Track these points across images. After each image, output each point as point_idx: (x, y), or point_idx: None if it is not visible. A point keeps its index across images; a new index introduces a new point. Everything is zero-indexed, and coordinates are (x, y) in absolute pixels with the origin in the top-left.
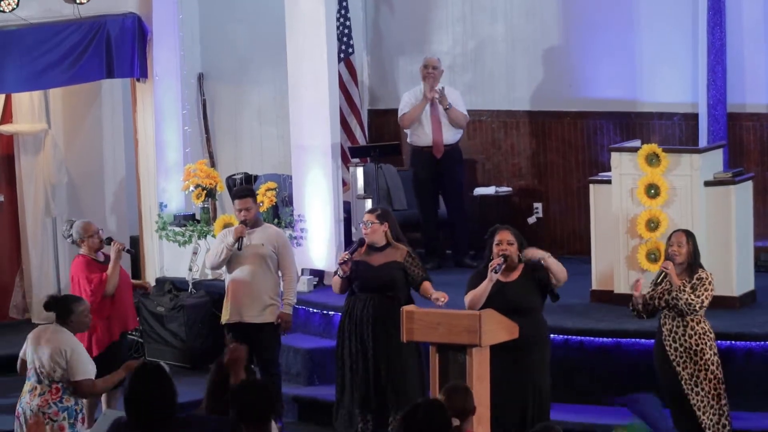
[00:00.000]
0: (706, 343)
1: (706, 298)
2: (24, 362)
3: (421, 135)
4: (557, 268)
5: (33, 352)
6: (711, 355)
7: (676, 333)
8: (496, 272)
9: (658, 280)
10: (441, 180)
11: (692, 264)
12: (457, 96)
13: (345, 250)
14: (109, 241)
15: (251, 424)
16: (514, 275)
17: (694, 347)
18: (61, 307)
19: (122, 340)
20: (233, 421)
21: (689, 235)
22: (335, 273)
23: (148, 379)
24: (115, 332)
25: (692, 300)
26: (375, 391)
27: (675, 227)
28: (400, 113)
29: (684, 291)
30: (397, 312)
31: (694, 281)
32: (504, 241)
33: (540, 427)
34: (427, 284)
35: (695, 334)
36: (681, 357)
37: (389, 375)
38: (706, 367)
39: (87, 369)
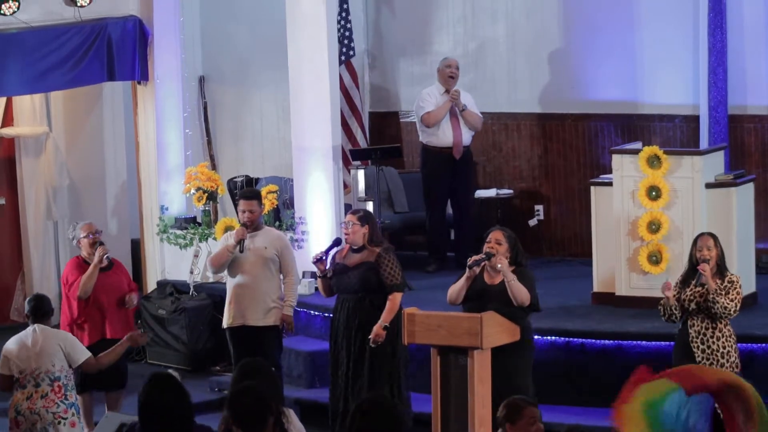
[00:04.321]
0: (732, 346)
1: (739, 302)
2: (7, 377)
3: (440, 136)
4: (516, 291)
5: (21, 360)
6: (735, 357)
7: (704, 335)
8: (470, 267)
9: (696, 283)
10: (455, 181)
11: (721, 266)
12: (470, 98)
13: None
14: (100, 244)
15: (247, 429)
16: (500, 278)
17: (722, 350)
18: (40, 306)
19: (100, 345)
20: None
21: (715, 238)
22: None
23: (163, 388)
24: (88, 337)
25: (728, 304)
26: (355, 392)
27: (676, 229)
28: (421, 110)
29: (721, 294)
30: (371, 313)
31: (725, 284)
32: (494, 239)
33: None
34: (395, 297)
35: (723, 336)
36: (708, 359)
37: (368, 376)
38: (732, 369)
39: (83, 348)
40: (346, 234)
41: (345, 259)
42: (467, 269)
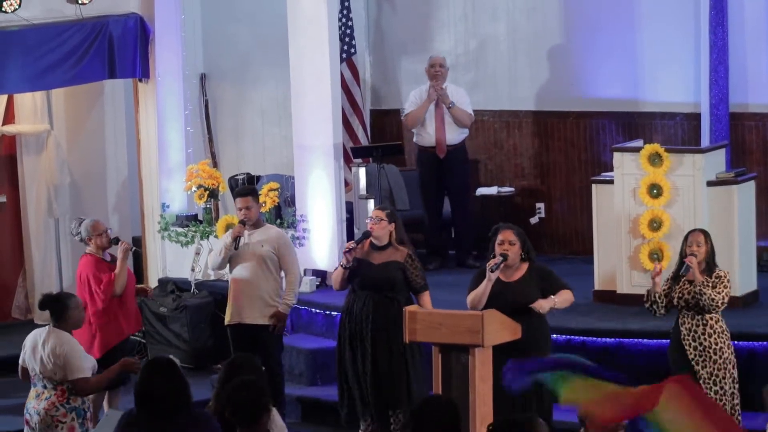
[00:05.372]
0: (724, 342)
1: (726, 296)
2: (24, 369)
3: (424, 135)
4: (565, 305)
5: (31, 358)
6: (729, 354)
7: (696, 332)
8: (492, 271)
9: (680, 274)
10: (445, 180)
11: (710, 263)
12: (462, 95)
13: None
14: (117, 240)
15: (244, 423)
16: (517, 275)
17: (714, 346)
18: (58, 304)
19: (126, 341)
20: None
21: (706, 235)
22: (340, 264)
23: (160, 372)
24: (123, 333)
25: (715, 296)
26: (374, 390)
27: (677, 227)
28: (404, 112)
29: (708, 286)
30: (396, 311)
31: (713, 279)
32: (506, 240)
33: (523, 418)
34: (426, 297)
35: (714, 332)
36: (700, 356)
37: (387, 374)
38: (725, 366)
39: (82, 367)
40: (372, 228)
41: (368, 256)
42: (488, 273)
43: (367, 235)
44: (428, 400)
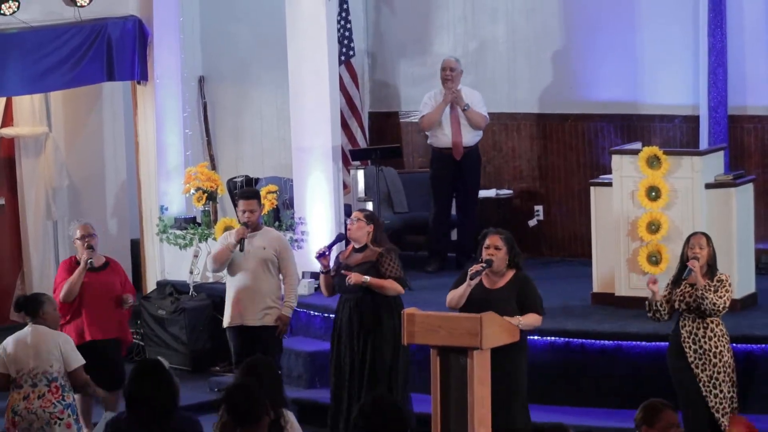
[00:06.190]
0: (724, 346)
1: (728, 300)
2: (4, 375)
3: (440, 136)
4: (528, 327)
5: (18, 359)
6: (728, 357)
7: (696, 335)
8: (472, 278)
9: (682, 278)
10: (458, 182)
11: (712, 266)
12: (477, 97)
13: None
14: (88, 248)
15: (245, 426)
16: (501, 282)
17: (714, 349)
18: (33, 303)
19: (90, 347)
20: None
21: (708, 238)
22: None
23: (148, 375)
24: (79, 338)
25: (717, 301)
26: (358, 391)
27: (676, 230)
28: (420, 114)
29: (710, 290)
30: (374, 312)
31: (715, 283)
32: (492, 245)
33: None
34: (391, 283)
35: (714, 336)
36: (700, 359)
37: (369, 377)
38: (724, 369)
39: (79, 357)
40: (350, 229)
41: (348, 259)
42: (468, 279)
43: (340, 237)
44: (374, 401)
